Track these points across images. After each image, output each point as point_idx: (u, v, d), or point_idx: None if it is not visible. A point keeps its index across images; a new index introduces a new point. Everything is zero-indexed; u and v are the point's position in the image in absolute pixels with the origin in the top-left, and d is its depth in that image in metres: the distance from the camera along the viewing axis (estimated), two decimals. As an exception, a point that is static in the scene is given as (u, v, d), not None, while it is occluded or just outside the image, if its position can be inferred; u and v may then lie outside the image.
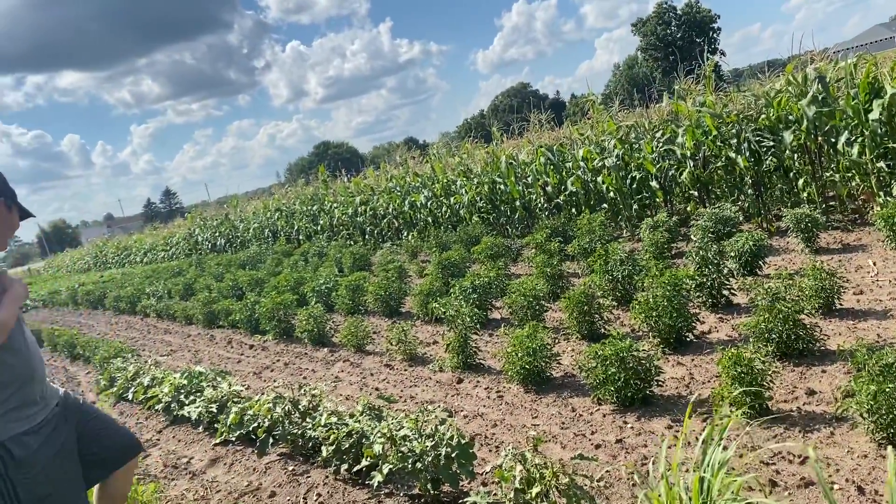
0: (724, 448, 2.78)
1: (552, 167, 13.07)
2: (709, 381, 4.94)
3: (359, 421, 4.58)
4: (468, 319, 6.61)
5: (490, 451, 4.57)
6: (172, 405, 6.61)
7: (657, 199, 11.41)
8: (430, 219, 16.16)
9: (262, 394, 5.91)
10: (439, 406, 5.09)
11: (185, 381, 6.75)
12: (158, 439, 6.28)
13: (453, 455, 3.79)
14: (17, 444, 2.76)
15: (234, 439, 5.62)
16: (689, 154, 10.59)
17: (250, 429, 5.42)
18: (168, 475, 5.36)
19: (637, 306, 5.80)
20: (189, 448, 5.87)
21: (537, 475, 3.31)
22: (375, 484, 4.03)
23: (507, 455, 3.50)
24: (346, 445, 4.45)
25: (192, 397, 6.47)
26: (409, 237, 16.30)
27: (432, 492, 3.90)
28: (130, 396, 7.45)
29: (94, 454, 3.17)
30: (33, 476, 2.79)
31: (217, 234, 26.85)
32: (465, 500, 3.64)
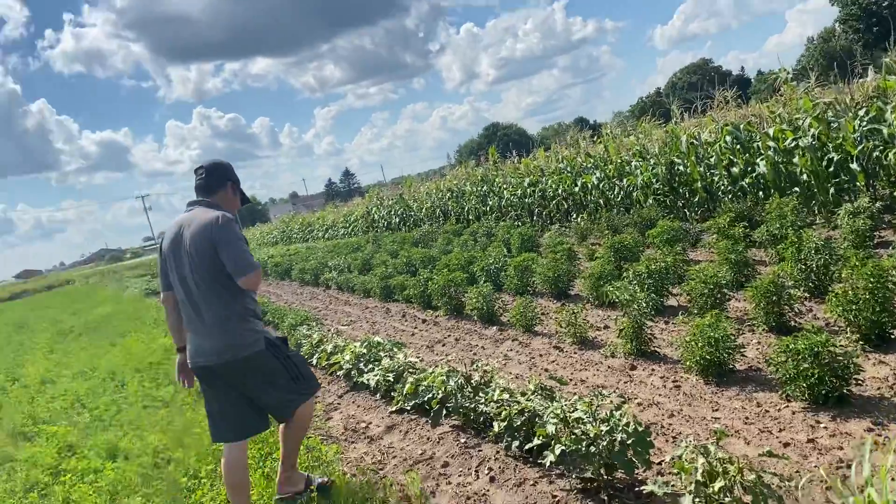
0: (944, 459, 2.49)
1: (739, 147, 12.27)
2: (920, 385, 4.45)
3: (530, 400, 4.60)
4: (644, 305, 6.39)
5: (666, 441, 4.42)
6: (352, 372, 7.01)
7: (858, 183, 10.38)
8: (600, 201, 15.79)
9: (436, 366, 6.11)
10: (613, 392, 5.01)
11: (365, 350, 7.12)
12: (339, 404, 6.69)
13: (629, 442, 3.70)
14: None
15: (408, 408, 5.86)
16: (899, 133, 9.51)
17: (424, 399, 5.62)
18: (348, 438, 5.69)
19: (834, 299, 5.33)
20: (367, 414, 6.20)
21: (720, 469, 3.15)
22: (548, 463, 4.02)
23: (687, 446, 3.36)
24: (518, 423, 4.49)
25: (370, 366, 6.82)
26: (579, 219, 16.04)
27: (605, 477, 3.84)
28: (314, 362, 7.98)
29: None
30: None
31: (392, 212, 27.98)
32: (641, 488, 3.55)
